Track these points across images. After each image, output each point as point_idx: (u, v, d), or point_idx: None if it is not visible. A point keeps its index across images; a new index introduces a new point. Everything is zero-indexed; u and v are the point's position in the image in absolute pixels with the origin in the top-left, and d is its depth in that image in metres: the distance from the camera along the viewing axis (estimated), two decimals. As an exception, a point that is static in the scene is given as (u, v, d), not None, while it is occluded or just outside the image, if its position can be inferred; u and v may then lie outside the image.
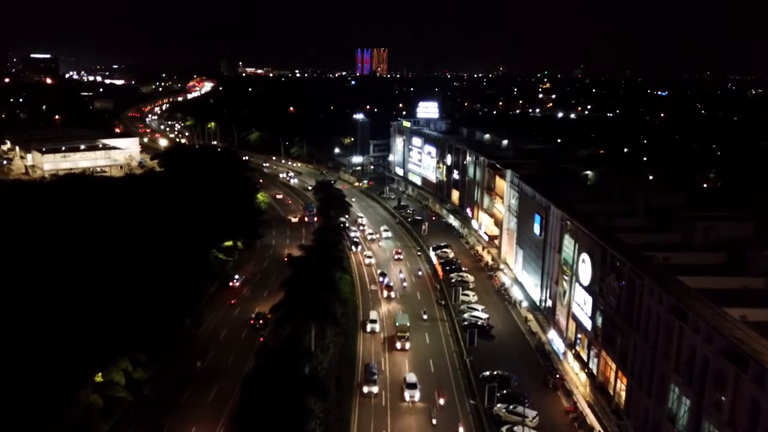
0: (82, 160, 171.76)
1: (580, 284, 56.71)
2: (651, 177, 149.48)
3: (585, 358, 56.23)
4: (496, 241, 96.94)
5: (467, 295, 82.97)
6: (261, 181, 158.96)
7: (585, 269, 55.31)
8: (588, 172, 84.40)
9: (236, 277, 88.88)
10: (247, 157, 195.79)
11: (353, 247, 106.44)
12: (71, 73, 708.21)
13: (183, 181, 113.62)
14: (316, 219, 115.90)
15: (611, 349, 49.94)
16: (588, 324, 55.03)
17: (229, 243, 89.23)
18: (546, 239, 69.56)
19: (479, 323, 74.23)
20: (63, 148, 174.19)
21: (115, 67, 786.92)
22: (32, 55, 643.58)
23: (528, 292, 77.75)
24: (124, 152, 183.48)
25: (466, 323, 74.74)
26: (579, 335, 58.81)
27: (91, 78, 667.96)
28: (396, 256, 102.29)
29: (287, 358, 43.12)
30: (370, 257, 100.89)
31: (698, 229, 52.69)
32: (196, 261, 77.41)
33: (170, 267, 71.38)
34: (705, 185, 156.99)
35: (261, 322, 75.43)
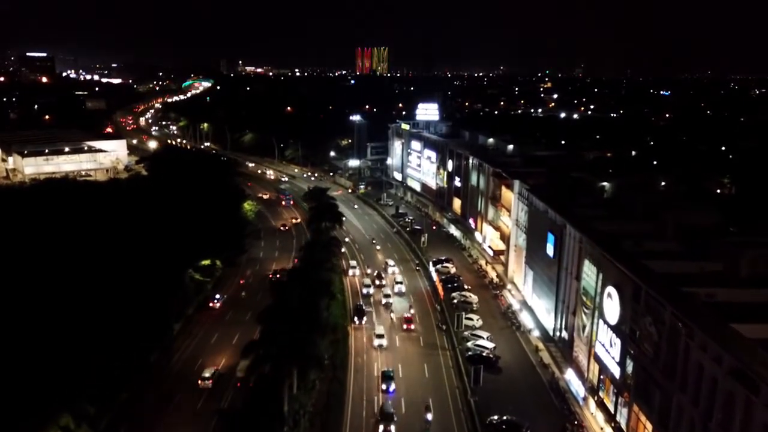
0: (65, 164, 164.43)
1: (605, 322, 48.56)
2: (663, 183, 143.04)
3: (611, 408, 48.07)
4: (502, 257, 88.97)
5: (471, 319, 74.80)
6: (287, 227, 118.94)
7: (612, 306, 47.16)
8: (605, 183, 76.22)
9: (217, 296, 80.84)
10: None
11: (356, 319, 74.48)
12: (69, 71, 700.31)
13: (165, 190, 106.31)
14: (292, 203, 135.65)
15: (646, 404, 41.83)
16: (615, 370, 46.88)
17: (206, 262, 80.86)
18: (561, 262, 61.46)
19: (485, 354, 66.29)
20: (46, 151, 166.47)
21: (114, 65, 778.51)
22: (28, 54, 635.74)
23: (539, 317, 69.67)
24: (110, 155, 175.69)
25: (470, 353, 66.78)
26: (602, 378, 50.67)
27: (89, 77, 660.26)
28: (405, 326, 73.63)
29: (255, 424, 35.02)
30: (381, 337, 69.04)
31: (745, 258, 44.54)
32: (169, 283, 69.45)
33: (138, 291, 63.69)
34: (718, 191, 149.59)
35: (278, 276, 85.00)
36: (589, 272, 52.70)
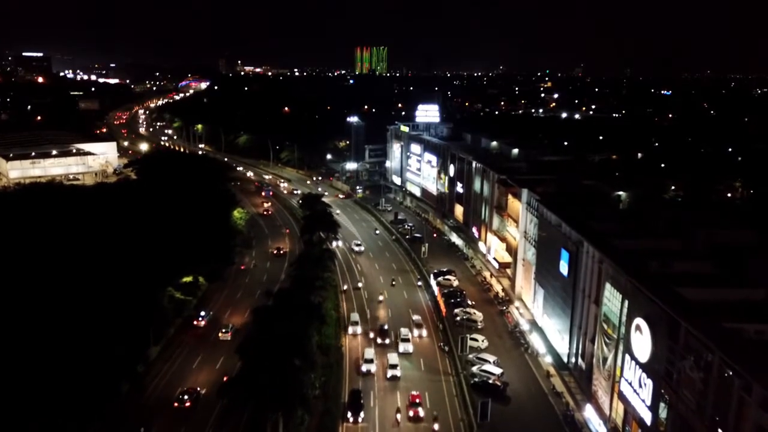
0: (53, 167, 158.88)
1: (633, 358, 42.57)
2: (673, 187, 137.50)
3: (641, 458, 42.09)
4: (509, 271, 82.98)
5: (476, 340, 68.88)
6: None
7: (641, 341, 41.12)
8: (620, 193, 70.22)
9: (202, 314, 74.98)
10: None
11: (350, 415, 54.04)
12: (66, 71, 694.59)
13: (151, 197, 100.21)
14: (272, 193, 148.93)
15: (685, 460, 35.91)
16: (646, 415, 40.83)
17: (188, 279, 74.74)
18: (577, 283, 55.50)
19: (491, 381, 60.42)
20: (32, 154, 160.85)
21: (112, 65, 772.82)
22: (24, 54, 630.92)
23: (550, 340, 63.73)
24: (99, 158, 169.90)
25: (475, 379, 60.92)
26: (629, 419, 44.68)
27: (86, 77, 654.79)
28: (412, 412, 55.16)
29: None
30: None
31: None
32: (146, 303, 63.37)
33: (111, 312, 57.67)
34: (729, 194, 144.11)
35: (282, 252, 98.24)
36: (612, 298, 46.77)
